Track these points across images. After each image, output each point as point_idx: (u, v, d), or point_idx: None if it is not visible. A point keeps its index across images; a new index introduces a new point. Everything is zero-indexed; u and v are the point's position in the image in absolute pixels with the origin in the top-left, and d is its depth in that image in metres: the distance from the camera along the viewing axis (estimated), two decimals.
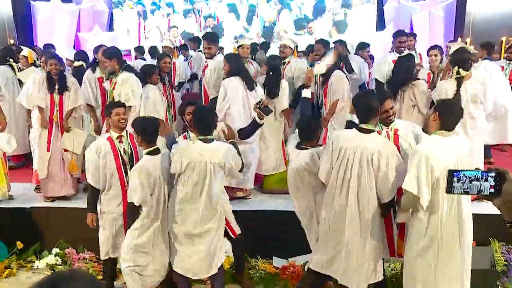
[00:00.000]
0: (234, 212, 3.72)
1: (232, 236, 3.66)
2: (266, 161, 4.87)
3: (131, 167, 3.48)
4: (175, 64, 6.34)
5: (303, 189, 3.43)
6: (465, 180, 1.41)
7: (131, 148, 3.63)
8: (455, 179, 1.42)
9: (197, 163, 3.26)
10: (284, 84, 4.85)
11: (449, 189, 1.43)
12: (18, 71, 5.91)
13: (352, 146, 3.08)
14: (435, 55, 5.30)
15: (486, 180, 1.39)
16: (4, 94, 5.77)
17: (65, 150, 4.79)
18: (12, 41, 9.17)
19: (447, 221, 2.92)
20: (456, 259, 2.96)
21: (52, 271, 4.25)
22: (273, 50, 8.35)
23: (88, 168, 3.57)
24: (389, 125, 3.27)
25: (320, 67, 4.93)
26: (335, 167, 3.13)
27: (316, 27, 10.58)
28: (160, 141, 3.52)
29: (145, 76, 4.86)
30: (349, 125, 3.59)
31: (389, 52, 6.86)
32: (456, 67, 4.18)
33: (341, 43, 6.11)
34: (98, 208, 3.65)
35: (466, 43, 8.23)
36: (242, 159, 3.48)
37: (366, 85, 6.24)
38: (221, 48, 7.08)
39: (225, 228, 3.54)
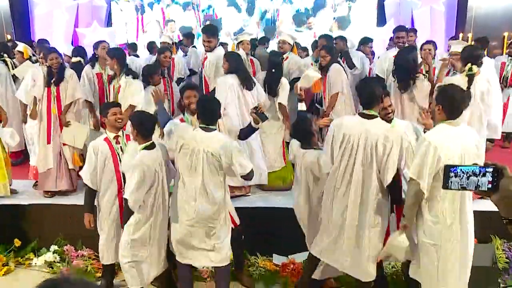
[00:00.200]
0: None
1: (232, 226, 3.58)
2: (265, 158, 4.83)
3: None
4: (174, 60, 6.28)
5: (315, 187, 3.45)
6: (463, 175, 1.38)
7: None
8: (452, 174, 1.39)
9: (191, 148, 3.20)
10: (284, 81, 4.81)
11: (446, 185, 1.41)
12: (13, 67, 5.86)
13: (356, 132, 3.08)
14: (429, 49, 5.28)
15: (483, 175, 1.36)
16: None
17: (64, 145, 4.73)
18: (9, 37, 9.10)
19: (449, 213, 2.89)
20: (457, 251, 2.94)
21: (50, 269, 4.24)
22: (272, 46, 8.29)
23: (85, 168, 3.54)
24: (389, 123, 3.26)
25: (305, 80, 4.68)
26: (339, 155, 3.13)
27: (316, 22, 10.50)
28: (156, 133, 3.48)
29: (147, 76, 4.83)
30: (300, 113, 3.54)
31: (386, 48, 6.84)
32: (469, 64, 4.11)
33: (341, 38, 6.09)
34: (96, 210, 3.62)
35: (467, 38, 8.20)
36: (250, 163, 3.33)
37: None
38: (225, 44, 6.99)
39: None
